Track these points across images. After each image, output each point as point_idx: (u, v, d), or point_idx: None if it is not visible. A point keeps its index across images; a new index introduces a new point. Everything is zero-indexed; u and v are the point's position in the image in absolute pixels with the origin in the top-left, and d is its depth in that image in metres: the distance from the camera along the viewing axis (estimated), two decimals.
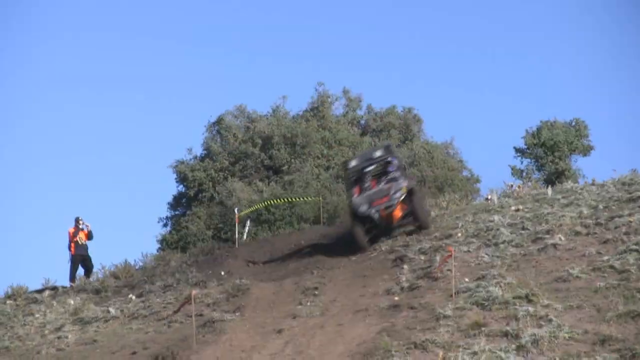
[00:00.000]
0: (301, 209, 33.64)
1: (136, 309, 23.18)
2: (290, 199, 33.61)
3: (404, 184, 24.67)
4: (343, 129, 39.03)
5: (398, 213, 24.59)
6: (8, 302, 26.48)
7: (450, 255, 18.56)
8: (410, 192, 24.66)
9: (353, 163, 26.30)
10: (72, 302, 24.69)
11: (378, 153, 26.12)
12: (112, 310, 23.29)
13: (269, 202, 33.35)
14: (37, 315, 24.23)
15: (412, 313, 17.20)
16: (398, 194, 24.32)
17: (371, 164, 25.85)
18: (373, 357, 15.25)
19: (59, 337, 21.98)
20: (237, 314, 19.95)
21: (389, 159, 25.89)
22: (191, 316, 19.18)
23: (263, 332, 18.23)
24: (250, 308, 20.30)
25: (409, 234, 25.21)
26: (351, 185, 26.27)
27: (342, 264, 23.30)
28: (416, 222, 24.78)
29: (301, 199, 33.53)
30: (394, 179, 25.10)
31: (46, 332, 22.50)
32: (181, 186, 39.53)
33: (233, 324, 19.14)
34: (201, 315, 20.26)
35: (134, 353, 19.00)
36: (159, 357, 17.83)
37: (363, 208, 24.28)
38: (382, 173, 25.97)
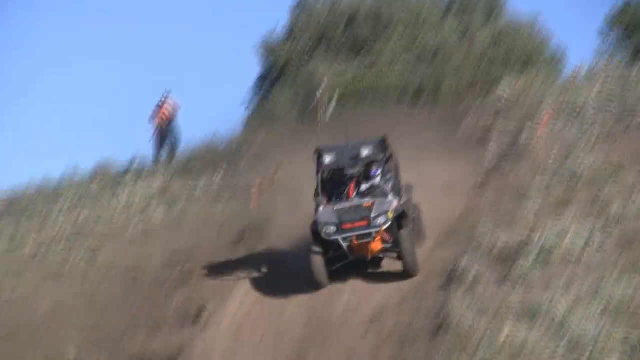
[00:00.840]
0: (385, 88, 33.05)
1: (221, 188, 23.33)
2: (373, 79, 33.13)
3: (391, 205, 17.53)
4: (426, 8, 38.11)
5: (376, 246, 17.30)
6: (94, 182, 26.77)
7: (543, 128, 18.36)
8: (399, 217, 17.51)
9: (329, 159, 18.42)
10: (157, 181, 24.95)
11: (366, 152, 18.22)
12: (197, 189, 23.52)
13: (352, 84, 32.97)
14: (123, 195, 24.59)
15: (498, 189, 17.27)
16: (381, 220, 17.11)
17: (354, 164, 18.70)
18: (460, 233, 15.38)
19: (145, 216, 22.41)
20: None
21: (380, 159, 18.49)
22: (276, 194, 19.39)
23: None
24: None
25: (496, 113, 24.75)
26: (321, 186, 18.63)
27: (429, 142, 22.75)
28: (399, 259, 17.35)
29: (384, 78, 32.95)
30: (381, 193, 18.04)
31: (132, 211, 22.92)
32: (265, 66, 39.31)
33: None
34: (284, 193, 20.45)
35: (220, 230, 19.32)
36: (245, 232, 18.18)
37: (328, 230, 17.33)
38: (368, 176, 18.65)
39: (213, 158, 27.40)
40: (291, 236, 18.02)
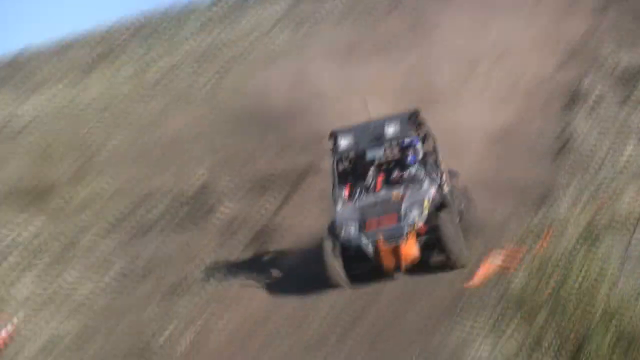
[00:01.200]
0: None
1: (345, 10, 23.05)
2: None
3: (427, 193, 13.76)
4: None
5: (410, 249, 13.24)
6: (219, 5, 26.67)
7: None
8: (440, 207, 13.74)
9: (345, 142, 14.49)
10: (282, 3, 24.63)
11: (392, 130, 14.18)
12: (322, 10, 23.24)
13: None
14: (247, 19, 24.34)
15: (621, 10, 17.09)
16: (414, 214, 13.33)
17: (379, 147, 14.52)
18: (583, 54, 15.30)
19: (270, 39, 22.32)
20: None
21: (412, 139, 14.36)
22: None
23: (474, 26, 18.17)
24: None
25: None
26: (339, 178, 14.70)
27: None
28: (443, 255, 13.34)
29: None
30: (415, 180, 14.09)
31: (257, 34, 22.82)
32: None
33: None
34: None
35: (347, 51, 19.29)
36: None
37: (348, 232, 13.61)
38: (399, 163, 14.62)
39: None
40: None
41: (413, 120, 14.07)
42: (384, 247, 12.96)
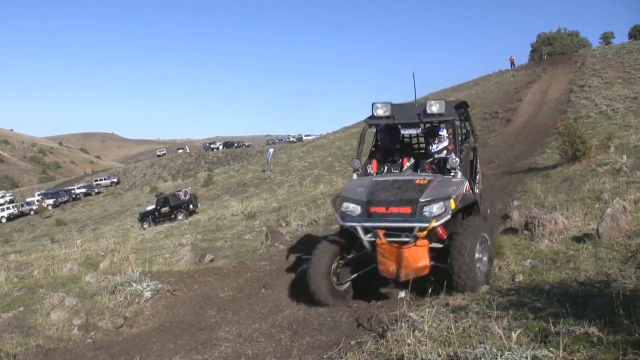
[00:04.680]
0: None
1: None
2: None
3: (459, 188, 10.66)
4: None
5: (417, 255, 9.88)
6: None
7: None
8: (466, 211, 11.26)
9: (382, 111, 11.76)
10: None
11: (435, 108, 11.29)
12: None
13: None
14: None
15: None
16: (435, 209, 10.04)
17: (416, 125, 11.91)
18: None
19: None
20: None
21: (453, 119, 11.56)
22: None
23: None
24: None
25: None
26: (370, 153, 12.91)
27: None
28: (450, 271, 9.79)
29: None
30: (447, 169, 11.33)
31: None
32: None
33: None
34: None
35: None
36: None
37: (347, 210, 10.72)
38: (433, 142, 11.89)
39: None
40: None
41: (462, 109, 12.48)
42: (385, 245, 9.98)
